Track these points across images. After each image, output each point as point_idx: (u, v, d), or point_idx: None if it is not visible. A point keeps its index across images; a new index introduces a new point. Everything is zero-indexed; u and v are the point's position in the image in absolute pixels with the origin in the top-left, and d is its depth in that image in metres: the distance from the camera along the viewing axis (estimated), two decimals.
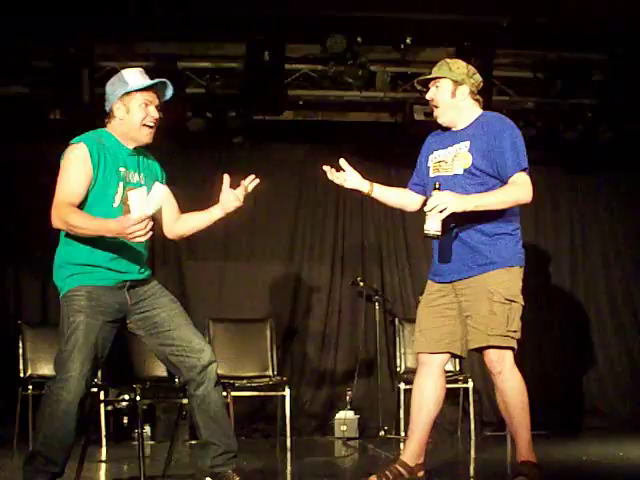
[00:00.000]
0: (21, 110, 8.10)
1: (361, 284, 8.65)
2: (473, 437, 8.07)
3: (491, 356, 4.70)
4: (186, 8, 7.53)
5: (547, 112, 8.75)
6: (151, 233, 4.26)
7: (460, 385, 8.17)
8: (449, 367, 8.24)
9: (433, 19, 7.88)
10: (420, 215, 8.88)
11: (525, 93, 8.70)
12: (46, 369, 7.70)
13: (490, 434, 8.43)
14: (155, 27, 7.82)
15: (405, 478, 4.83)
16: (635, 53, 8.34)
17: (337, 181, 4.99)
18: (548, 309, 9.15)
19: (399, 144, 8.86)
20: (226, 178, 4.76)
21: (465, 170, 4.74)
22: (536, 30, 8.15)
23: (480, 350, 4.76)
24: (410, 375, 7.96)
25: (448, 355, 4.91)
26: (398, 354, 8.42)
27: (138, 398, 6.13)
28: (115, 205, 4.47)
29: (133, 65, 7.96)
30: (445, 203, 4.55)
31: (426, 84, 4.95)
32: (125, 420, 8.02)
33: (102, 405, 7.50)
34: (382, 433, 8.13)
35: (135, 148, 4.63)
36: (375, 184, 5.05)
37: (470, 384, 8.14)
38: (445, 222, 4.62)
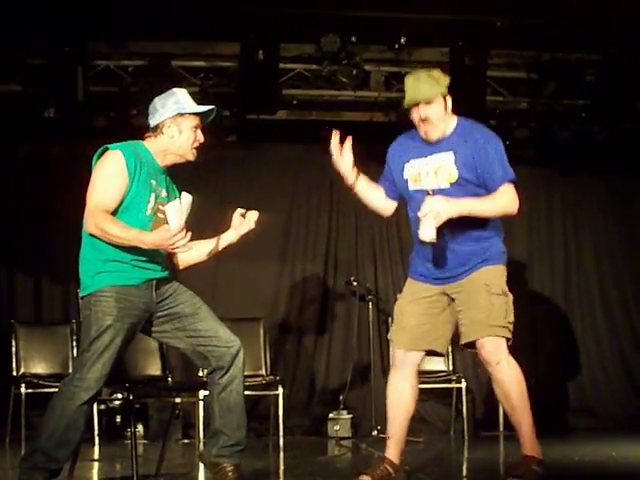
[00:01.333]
0: (15, 108, 8.09)
1: (354, 284, 8.66)
2: (466, 437, 8.08)
3: (488, 347, 4.71)
4: (180, 7, 7.53)
5: (541, 112, 8.76)
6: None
7: (453, 385, 8.17)
8: (442, 367, 8.28)
9: (427, 19, 7.88)
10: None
11: (519, 93, 8.70)
12: (39, 367, 7.71)
13: (483, 434, 8.44)
14: (149, 26, 7.81)
15: (392, 476, 4.87)
16: (628, 53, 8.36)
17: (334, 154, 4.91)
18: (540, 309, 9.17)
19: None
20: (240, 210, 4.77)
21: (452, 184, 4.74)
22: (530, 31, 8.16)
23: (471, 345, 4.78)
24: None
25: (423, 354, 4.94)
26: (391, 353, 8.40)
27: (131, 397, 6.12)
28: (147, 213, 4.51)
29: (127, 64, 8.13)
30: (439, 209, 4.57)
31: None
32: (118, 419, 8.01)
33: (95, 404, 7.48)
34: (375, 433, 8.12)
35: (165, 167, 4.68)
36: (361, 178, 5.00)
37: (463, 384, 8.15)
38: (439, 227, 4.63)
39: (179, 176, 8.35)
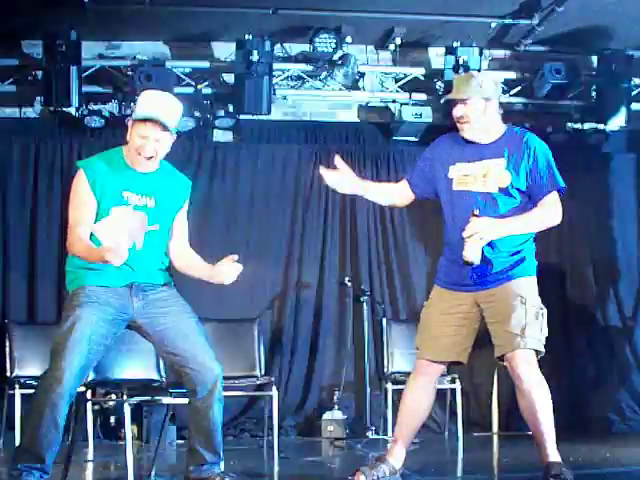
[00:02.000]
0: (9, 108, 8.08)
1: (349, 284, 8.65)
2: (460, 438, 8.08)
3: (518, 360, 4.69)
4: (175, 7, 7.53)
5: (535, 113, 8.77)
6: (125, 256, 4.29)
7: (448, 386, 8.16)
8: None
9: (422, 19, 7.90)
10: (409, 215, 8.93)
11: (513, 94, 8.71)
12: (33, 368, 7.66)
13: (477, 435, 8.44)
14: (144, 26, 7.81)
15: (389, 478, 4.86)
16: (623, 54, 8.37)
17: (331, 185, 4.92)
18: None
19: (387, 145, 8.88)
20: (232, 257, 4.74)
21: (501, 189, 4.74)
22: (525, 31, 8.18)
23: (502, 357, 4.76)
24: (398, 376, 7.99)
25: (444, 366, 4.96)
26: (386, 355, 8.41)
27: (125, 398, 6.11)
28: None
29: (122, 64, 8.12)
30: (483, 232, 4.59)
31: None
32: (112, 420, 7.99)
33: (89, 404, 7.47)
34: (370, 433, 8.12)
35: (147, 170, 4.64)
36: (369, 186, 5.03)
37: (458, 385, 8.14)
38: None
39: None
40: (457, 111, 4.81)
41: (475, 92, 4.78)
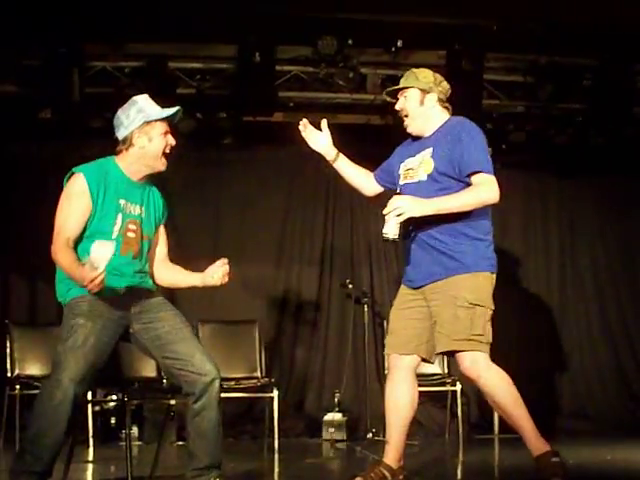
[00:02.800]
0: (11, 109, 8.08)
1: (350, 286, 8.65)
2: (461, 440, 8.07)
3: (464, 363, 4.69)
4: (177, 8, 7.52)
5: (537, 116, 8.76)
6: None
7: (448, 388, 8.17)
8: (437, 370, 8.28)
9: (424, 22, 7.89)
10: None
11: (515, 97, 8.71)
12: (34, 369, 7.69)
13: (478, 437, 8.44)
14: (146, 27, 7.81)
15: None
16: (625, 57, 8.37)
17: (307, 137, 5.10)
18: (535, 312, 9.18)
19: (389, 146, 8.87)
20: (223, 260, 4.74)
21: (428, 176, 4.76)
22: (527, 34, 8.17)
23: (449, 354, 4.81)
24: None
25: (418, 358, 4.92)
26: (386, 356, 8.40)
27: (126, 399, 6.12)
28: (114, 236, 4.51)
29: (123, 65, 8.12)
30: (402, 207, 4.56)
31: (395, 95, 5.00)
32: (113, 420, 7.99)
33: (90, 405, 7.48)
34: (370, 435, 8.13)
35: (140, 180, 4.65)
36: (341, 155, 5.13)
37: (458, 387, 8.14)
38: (410, 226, 4.68)
39: (175, 179, 8.38)
40: (397, 105, 4.95)
41: (411, 83, 4.91)
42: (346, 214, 9.05)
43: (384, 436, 8.00)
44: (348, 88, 8.50)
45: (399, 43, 8.32)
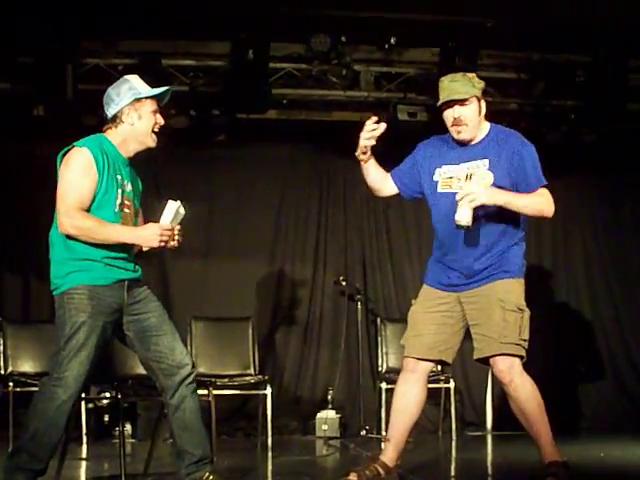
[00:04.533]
0: (4, 106, 8.07)
1: (343, 283, 8.66)
2: (454, 437, 8.08)
3: (500, 366, 4.70)
4: (170, 5, 7.51)
5: (530, 113, 8.77)
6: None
7: (442, 385, 8.17)
8: None
9: (417, 19, 7.89)
10: (403, 217, 8.97)
11: (508, 94, 8.71)
12: (27, 366, 7.67)
13: (471, 434, 8.45)
14: (139, 24, 7.80)
15: (382, 477, 4.85)
16: (618, 55, 8.38)
17: (366, 133, 4.89)
18: (534, 311, 9.18)
19: (383, 144, 8.86)
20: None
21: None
22: (520, 31, 8.17)
23: (486, 360, 4.76)
24: (392, 375, 7.98)
25: (433, 364, 4.95)
26: (380, 354, 8.42)
27: (119, 396, 6.12)
28: (116, 210, 4.49)
29: (117, 62, 8.11)
30: (475, 193, 4.55)
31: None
32: (106, 418, 8.00)
33: (83, 403, 7.47)
34: (363, 432, 8.14)
35: (130, 157, 4.64)
36: (372, 160, 5.01)
37: (452, 384, 8.14)
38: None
39: (168, 175, 8.38)
40: (455, 112, 4.75)
41: (472, 92, 4.76)
42: (340, 211, 9.05)
43: (377, 433, 8.10)
44: (341, 85, 8.50)
45: (392, 40, 8.32)
